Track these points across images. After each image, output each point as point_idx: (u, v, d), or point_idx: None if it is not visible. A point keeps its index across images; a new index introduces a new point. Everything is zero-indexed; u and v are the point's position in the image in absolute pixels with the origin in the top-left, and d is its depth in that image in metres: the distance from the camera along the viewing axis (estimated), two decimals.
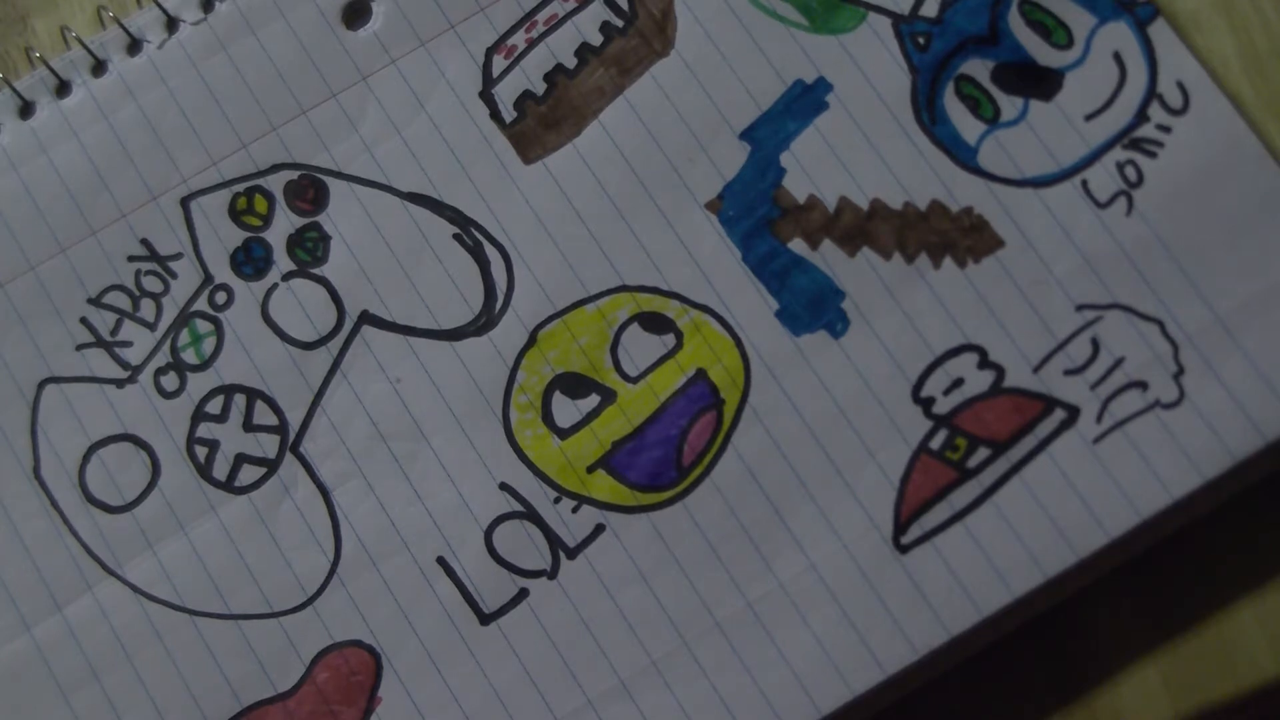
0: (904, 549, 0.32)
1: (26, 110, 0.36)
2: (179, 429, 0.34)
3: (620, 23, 0.36)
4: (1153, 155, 0.34)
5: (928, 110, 0.35)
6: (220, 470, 0.34)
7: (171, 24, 0.36)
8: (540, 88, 0.35)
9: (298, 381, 0.34)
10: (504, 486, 0.34)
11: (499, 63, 0.36)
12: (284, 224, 0.35)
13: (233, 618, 0.33)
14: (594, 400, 0.34)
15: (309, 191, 0.35)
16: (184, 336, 0.35)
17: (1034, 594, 0.32)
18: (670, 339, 0.34)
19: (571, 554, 0.33)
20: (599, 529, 0.33)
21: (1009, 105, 0.34)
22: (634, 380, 0.34)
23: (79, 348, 0.35)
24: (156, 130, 0.36)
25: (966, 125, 0.34)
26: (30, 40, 0.38)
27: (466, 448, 0.34)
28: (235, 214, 0.35)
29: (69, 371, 0.35)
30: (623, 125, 0.35)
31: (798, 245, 0.34)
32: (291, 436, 0.34)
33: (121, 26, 0.36)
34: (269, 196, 0.35)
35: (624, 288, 0.34)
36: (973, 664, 0.33)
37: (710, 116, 0.35)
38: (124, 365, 0.35)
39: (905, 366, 0.33)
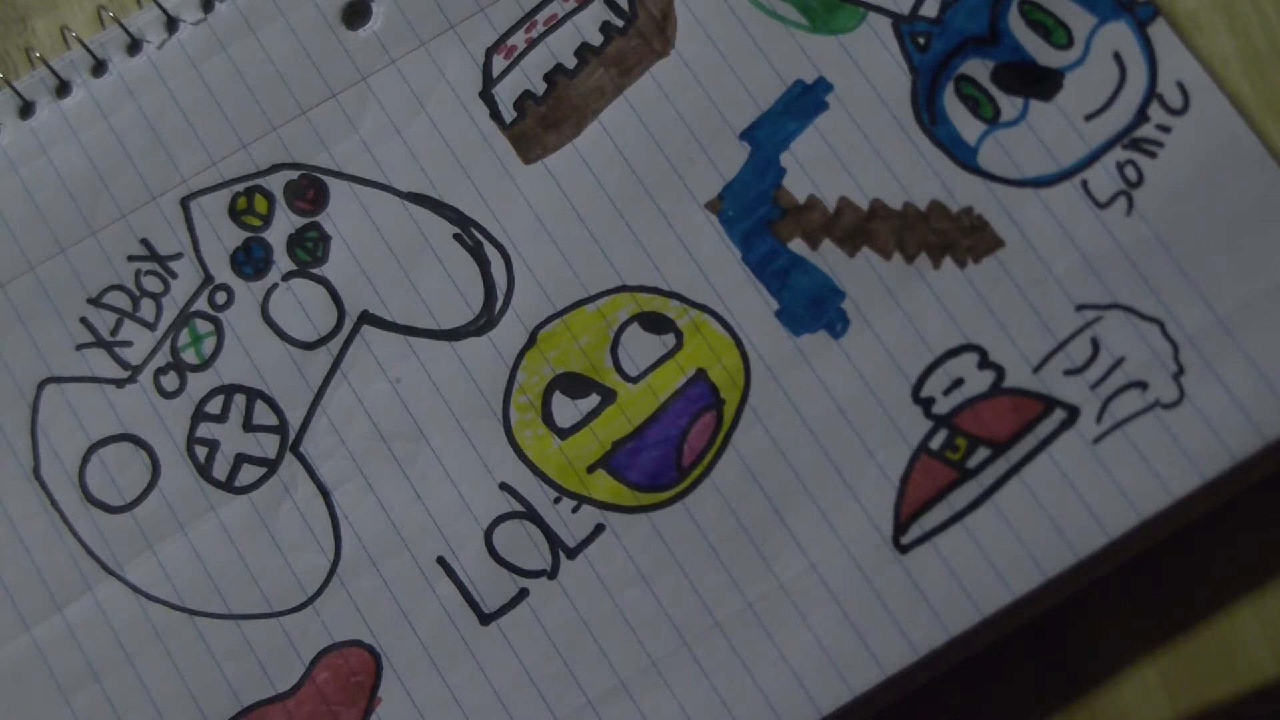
0: (904, 549, 0.32)
1: (26, 110, 0.36)
2: (179, 429, 0.34)
3: (620, 23, 0.36)
4: (1153, 155, 0.34)
5: (928, 110, 0.35)
6: (220, 470, 0.34)
7: (171, 24, 0.36)
8: (540, 88, 0.35)
9: (298, 381, 0.34)
10: (504, 486, 0.34)
11: (499, 63, 0.36)
12: (284, 224, 0.35)
13: (233, 618, 0.33)
14: (594, 400, 0.34)
15: (309, 191, 0.35)
16: (184, 336, 0.35)
17: (1034, 594, 0.32)
18: (670, 339, 0.34)
19: (571, 554, 0.33)
20: (599, 529, 0.33)
21: (1009, 105, 0.34)
22: (634, 380, 0.34)
23: (79, 348, 0.35)
24: (156, 130, 0.36)
25: (966, 125, 0.34)
26: (30, 40, 0.38)
27: (466, 448, 0.34)
28: (235, 214, 0.35)
29: (69, 371, 0.35)
30: (623, 125, 0.35)
31: (798, 245, 0.34)
32: (291, 436, 0.34)
33: (121, 26, 0.36)
34: (269, 196, 0.35)
35: (624, 288, 0.34)
36: (973, 664, 0.33)
37: (710, 116, 0.35)
38: (124, 365, 0.35)
39: (905, 366, 0.33)
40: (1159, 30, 0.34)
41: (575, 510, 0.33)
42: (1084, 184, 0.34)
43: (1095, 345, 0.33)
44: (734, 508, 0.33)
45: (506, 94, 0.36)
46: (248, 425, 0.34)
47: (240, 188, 0.36)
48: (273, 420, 0.34)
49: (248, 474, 0.34)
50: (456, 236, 0.35)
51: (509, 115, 0.35)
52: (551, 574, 0.33)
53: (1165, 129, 0.34)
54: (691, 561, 0.33)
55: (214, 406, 0.35)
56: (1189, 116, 0.34)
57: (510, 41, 0.36)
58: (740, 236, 0.34)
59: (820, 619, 0.32)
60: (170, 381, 0.35)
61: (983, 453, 0.33)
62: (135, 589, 0.34)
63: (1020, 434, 0.33)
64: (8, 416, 0.35)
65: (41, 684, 0.33)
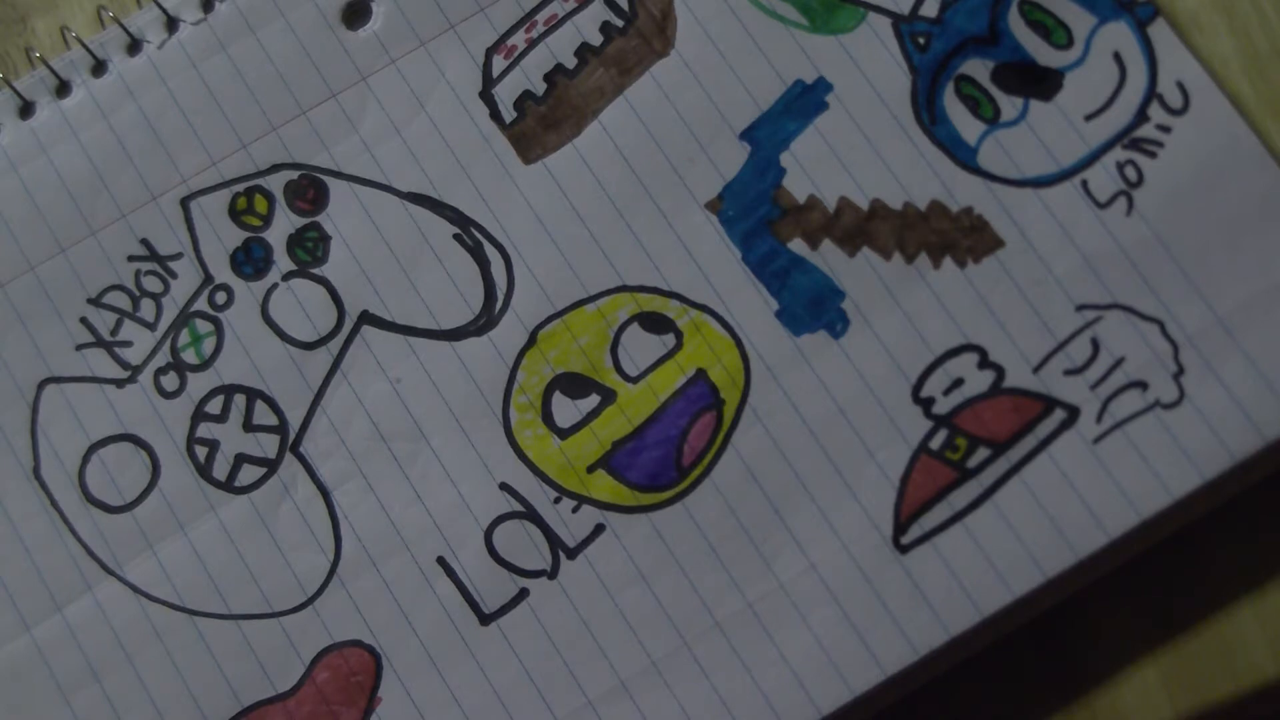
0: (904, 549, 0.32)
1: (26, 110, 0.36)
2: (179, 429, 0.34)
3: (620, 23, 0.36)
4: (1153, 155, 0.34)
5: (928, 110, 0.35)
6: (220, 470, 0.34)
7: (171, 24, 0.36)
8: (540, 88, 0.35)
9: (298, 381, 0.34)
10: (504, 486, 0.34)
11: (499, 63, 0.36)
12: (284, 224, 0.35)
13: (233, 618, 0.33)
14: (594, 400, 0.34)
15: (309, 191, 0.35)
16: (184, 336, 0.35)
17: (1034, 594, 0.32)
18: (670, 339, 0.34)
19: (571, 554, 0.33)
20: (599, 529, 0.33)
21: (1009, 105, 0.34)
22: (634, 380, 0.34)
23: (79, 348, 0.35)
24: (156, 130, 0.36)
25: (966, 125, 0.34)
26: (30, 40, 0.38)
27: (466, 448, 0.34)
28: (235, 214, 0.35)
29: (69, 371, 0.35)
30: (623, 125, 0.35)
31: (798, 245, 0.34)
32: (291, 436, 0.34)
33: (121, 26, 0.36)
34: (269, 196, 0.35)
35: (624, 288, 0.34)
36: (973, 664, 0.33)
37: (710, 116, 0.35)
38: (124, 365, 0.35)
39: (905, 366, 0.33)
40: (1159, 30, 0.34)
41: (575, 510, 0.33)
42: (1084, 184, 0.34)
43: (1095, 345, 0.33)
44: (734, 508, 0.33)
45: (506, 94, 0.36)
46: (248, 425, 0.34)
47: (240, 188, 0.36)
48: (273, 420, 0.34)
49: (248, 474, 0.34)
50: (456, 236, 0.35)
51: (509, 115, 0.35)
52: (551, 574, 0.33)
53: (1165, 129, 0.34)
54: (691, 561, 0.33)
55: (214, 406, 0.35)
56: (1189, 116, 0.34)
57: (510, 41, 0.36)
58: (740, 236, 0.34)
59: (820, 619, 0.32)
60: (170, 381, 0.35)
61: (983, 453, 0.33)
62: (135, 589, 0.34)
63: (1020, 434, 0.33)
64: (8, 416, 0.35)
65: (41, 684, 0.33)
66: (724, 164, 0.35)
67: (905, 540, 0.32)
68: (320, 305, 0.35)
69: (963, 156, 0.34)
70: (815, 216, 0.34)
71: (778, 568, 0.33)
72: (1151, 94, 0.34)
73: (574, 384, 0.34)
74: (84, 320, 0.35)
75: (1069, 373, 0.33)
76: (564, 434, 0.34)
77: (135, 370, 0.35)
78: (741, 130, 0.35)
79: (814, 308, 0.34)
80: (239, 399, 0.35)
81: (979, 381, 0.33)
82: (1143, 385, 0.33)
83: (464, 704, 0.33)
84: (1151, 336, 0.33)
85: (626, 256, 0.34)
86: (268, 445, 0.34)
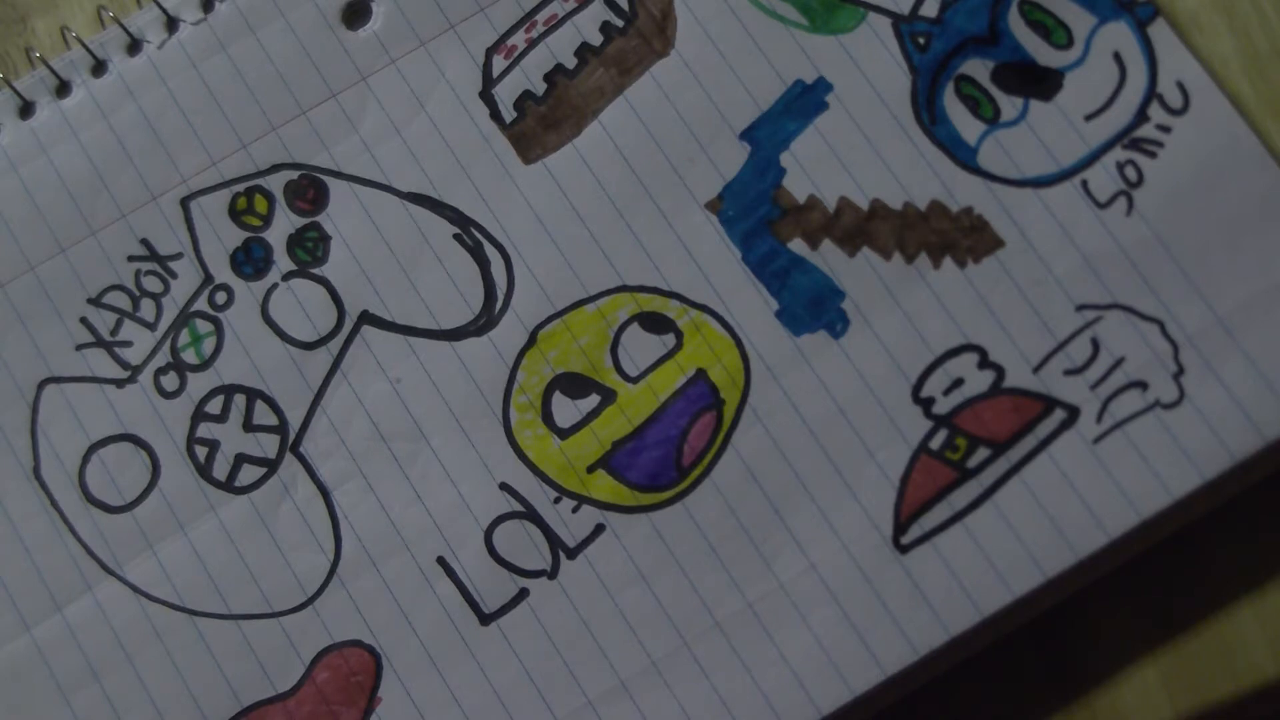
0: (904, 549, 0.32)
1: (26, 110, 0.36)
2: (179, 429, 0.35)
3: (620, 23, 0.36)
4: (1153, 155, 0.34)
5: (928, 110, 0.35)
6: (220, 470, 0.34)
7: (171, 24, 0.36)
8: (540, 88, 0.35)
9: (298, 381, 0.34)
10: (504, 486, 0.34)
11: (499, 63, 0.36)
12: (284, 224, 0.35)
13: (233, 618, 0.33)
14: (594, 400, 0.34)
15: (309, 191, 0.35)
16: (184, 336, 0.35)
17: (1034, 594, 0.32)
18: (670, 339, 0.34)
19: (571, 554, 0.33)
20: (599, 529, 0.33)
21: (1009, 105, 0.34)
22: (634, 380, 0.34)
23: (79, 348, 0.35)
24: (156, 130, 0.36)
25: (966, 125, 0.34)
26: (30, 40, 0.38)
27: (466, 448, 0.34)
28: (235, 214, 0.35)
29: (69, 371, 0.35)
30: (623, 125, 0.35)
31: (798, 245, 0.34)
32: (291, 436, 0.34)
33: (121, 26, 0.36)
34: (269, 196, 0.35)
35: (624, 288, 0.34)
36: (973, 664, 0.33)
37: (710, 116, 0.35)
38: (124, 365, 0.35)
39: (905, 366, 0.33)
40: (1159, 30, 0.34)
41: (575, 510, 0.33)
42: (1084, 184, 0.34)
43: (1095, 345, 0.33)
44: (734, 508, 0.33)
45: (506, 94, 0.36)
46: (248, 425, 0.34)
47: (240, 188, 0.36)
48: (273, 420, 0.34)
49: (248, 474, 0.34)
50: (456, 236, 0.35)
51: (509, 115, 0.35)
52: (551, 574, 0.33)
53: (1165, 129, 0.34)
54: (691, 561, 0.33)
55: (214, 406, 0.35)
56: (1189, 116, 0.34)
57: (510, 41, 0.36)
58: (740, 236, 0.34)
59: (820, 619, 0.32)
60: (170, 381, 0.35)
61: (983, 453, 0.33)
62: (135, 589, 0.34)
63: (1020, 434, 0.33)
64: (8, 416, 0.35)
65: (41, 684, 0.33)
66: (724, 164, 0.35)
67: (905, 540, 0.32)
68: (320, 305, 0.35)
69: (963, 156, 0.34)
70: (815, 216, 0.34)
71: (778, 568, 0.33)
72: (1151, 94, 0.34)
73: (574, 384, 0.34)
74: (84, 320, 0.35)
75: (1069, 373, 0.33)
76: (564, 434, 0.34)
77: (135, 370, 0.35)
78: (741, 130, 0.35)
79: (814, 308, 0.34)
80: (239, 399, 0.35)
81: (979, 381, 0.33)
82: (1143, 385, 0.33)
83: (464, 704, 0.33)
84: (1151, 336, 0.33)
85: (626, 256, 0.34)
86: (268, 445, 0.34)
